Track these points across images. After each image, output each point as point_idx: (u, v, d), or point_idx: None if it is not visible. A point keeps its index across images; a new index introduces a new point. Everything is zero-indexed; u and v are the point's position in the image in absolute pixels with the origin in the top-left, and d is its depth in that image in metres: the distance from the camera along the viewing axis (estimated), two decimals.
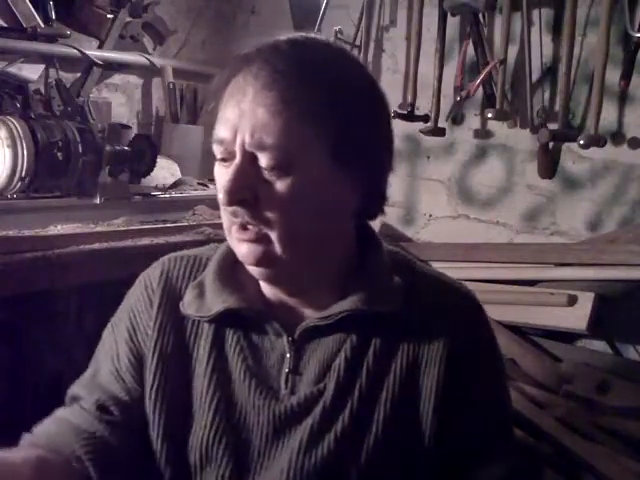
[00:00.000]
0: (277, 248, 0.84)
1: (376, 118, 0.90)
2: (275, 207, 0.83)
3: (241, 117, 0.82)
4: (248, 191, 0.83)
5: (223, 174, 0.85)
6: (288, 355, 0.90)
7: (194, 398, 0.91)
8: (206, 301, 0.93)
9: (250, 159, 0.83)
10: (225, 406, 0.89)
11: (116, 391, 0.93)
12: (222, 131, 0.84)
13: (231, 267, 0.95)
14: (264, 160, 0.82)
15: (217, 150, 0.86)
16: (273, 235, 0.84)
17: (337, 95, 0.84)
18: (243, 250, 0.86)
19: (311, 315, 0.91)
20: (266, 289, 0.94)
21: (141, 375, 0.94)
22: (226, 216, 0.87)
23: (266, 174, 0.83)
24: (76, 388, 0.98)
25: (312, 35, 0.90)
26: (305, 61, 0.84)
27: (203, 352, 0.92)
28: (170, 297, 0.96)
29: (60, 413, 0.95)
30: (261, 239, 0.84)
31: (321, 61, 0.85)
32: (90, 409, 0.92)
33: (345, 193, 0.88)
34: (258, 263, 0.86)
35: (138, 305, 0.98)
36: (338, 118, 0.83)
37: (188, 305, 0.94)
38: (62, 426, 0.91)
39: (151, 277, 0.99)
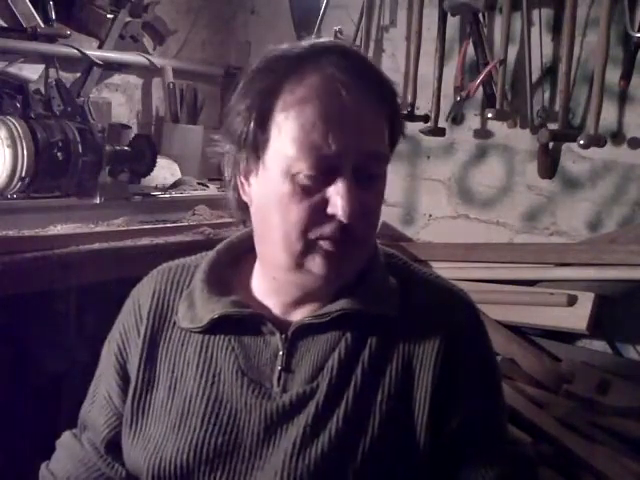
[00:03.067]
0: (359, 260, 0.87)
1: (402, 120, 0.92)
2: (375, 215, 0.85)
3: (350, 130, 0.81)
4: (359, 204, 0.82)
5: (308, 187, 0.82)
6: (281, 352, 0.89)
7: (182, 403, 0.91)
8: (197, 311, 0.93)
9: (356, 170, 0.82)
10: (214, 407, 0.89)
11: (110, 419, 0.98)
12: (328, 145, 0.80)
13: (220, 273, 0.95)
14: (374, 168, 0.84)
15: (307, 162, 0.81)
16: (365, 245, 0.87)
17: (395, 101, 0.88)
18: (332, 263, 0.84)
19: (305, 314, 0.91)
20: (264, 292, 0.94)
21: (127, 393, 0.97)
22: (312, 233, 0.83)
23: (366, 182, 0.83)
24: (84, 415, 1.03)
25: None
26: (371, 66, 0.87)
27: (192, 356, 0.92)
28: (160, 311, 0.97)
29: (75, 451, 1.01)
30: (350, 253, 0.85)
31: (376, 66, 0.89)
32: (100, 449, 0.99)
33: None
34: (338, 276, 0.87)
35: (128, 322, 0.99)
36: (395, 123, 0.88)
37: (182, 318, 0.94)
38: (80, 468, 0.99)
39: (141, 294, 1.00)
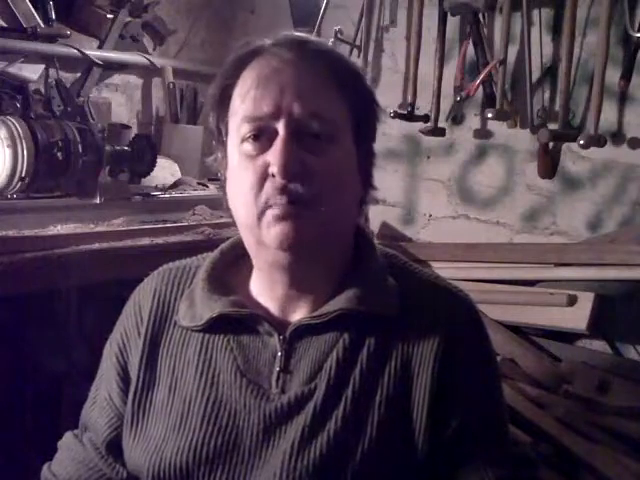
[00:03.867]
0: (317, 226, 0.85)
1: (377, 107, 0.94)
2: (324, 178, 0.84)
3: (283, 91, 0.84)
4: (299, 164, 0.83)
5: (251, 153, 0.85)
6: (279, 354, 0.89)
7: (182, 403, 0.91)
8: (197, 310, 0.93)
9: (295, 130, 0.84)
10: (214, 408, 0.89)
11: (111, 419, 0.98)
12: (261, 107, 0.84)
13: (221, 273, 0.96)
14: (315, 127, 0.84)
15: (246, 128, 0.86)
16: (318, 210, 0.84)
17: (356, 79, 0.91)
18: (283, 228, 0.84)
19: (303, 313, 0.91)
20: (260, 289, 0.94)
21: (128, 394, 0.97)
22: (259, 199, 0.85)
23: (311, 144, 0.84)
24: (85, 416, 1.02)
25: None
26: (324, 46, 0.91)
27: (192, 357, 0.93)
28: (160, 311, 0.97)
29: (77, 452, 1.00)
30: (301, 215, 0.84)
31: (329, 47, 0.93)
32: (101, 450, 0.98)
33: (357, 176, 0.91)
34: (294, 242, 0.84)
35: (129, 323, 0.99)
36: (358, 99, 0.90)
37: (183, 317, 0.94)
38: (81, 469, 0.98)
39: (141, 295, 1.00)
